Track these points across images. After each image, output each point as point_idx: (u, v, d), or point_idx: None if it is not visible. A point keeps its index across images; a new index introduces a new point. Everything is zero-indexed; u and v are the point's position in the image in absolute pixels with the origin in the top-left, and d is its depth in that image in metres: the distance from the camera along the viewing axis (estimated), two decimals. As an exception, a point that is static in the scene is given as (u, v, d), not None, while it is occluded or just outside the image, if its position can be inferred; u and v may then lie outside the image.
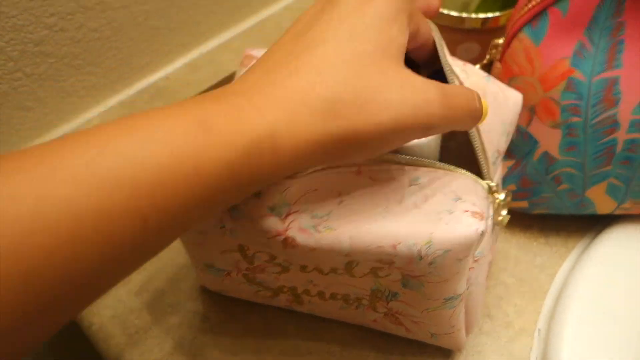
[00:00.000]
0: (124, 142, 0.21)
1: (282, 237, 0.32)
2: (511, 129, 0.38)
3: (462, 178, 0.33)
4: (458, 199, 0.32)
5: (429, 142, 0.35)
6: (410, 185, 0.32)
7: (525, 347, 0.42)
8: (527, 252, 0.48)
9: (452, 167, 0.34)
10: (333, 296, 0.39)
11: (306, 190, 0.32)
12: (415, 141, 0.34)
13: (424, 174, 0.33)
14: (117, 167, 0.21)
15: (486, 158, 0.35)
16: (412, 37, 0.31)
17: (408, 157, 0.33)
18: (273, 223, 0.32)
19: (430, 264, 0.31)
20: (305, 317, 0.44)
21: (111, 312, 0.45)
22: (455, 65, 0.34)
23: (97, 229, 0.20)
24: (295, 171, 0.26)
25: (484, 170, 0.36)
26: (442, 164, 0.34)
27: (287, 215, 0.32)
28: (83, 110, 0.56)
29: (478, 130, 0.35)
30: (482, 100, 0.31)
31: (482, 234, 0.31)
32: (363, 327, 0.43)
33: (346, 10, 0.27)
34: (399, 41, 0.28)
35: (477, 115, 0.30)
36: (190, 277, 0.47)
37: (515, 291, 0.46)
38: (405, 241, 0.31)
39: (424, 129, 0.27)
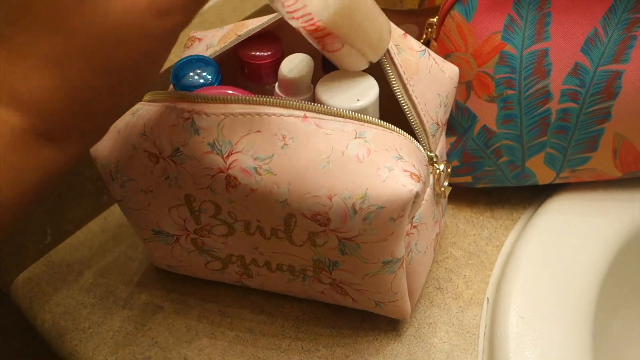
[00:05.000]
0: None
1: (225, 174, 0.33)
2: (448, 101, 0.39)
3: (407, 141, 0.34)
4: (400, 158, 0.33)
5: (371, 105, 0.35)
6: (356, 137, 0.33)
7: (475, 317, 0.44)
8: (474, 225, 0.50)
9: (400, 130, 0.34)
10: (279, 267, 0.39)
11: (248, 130, 0.33)
12: (359, 104, 0.34)
13: (371, 129, 0.34)
14: None
15: (425, 130, 0.36)
16: None
17: (359, 114, 0.34)
18: (215, 160, 0.33)
19: (365, 219, 0.32)
20: (259, 300, 0.44)
21: (63, 309, 0.45)
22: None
23: None
24: None
25: (423, 141, 0.37)
26: (391, 125, 0.34)
27: (229, 154, 0.33)
28: None
29: (414, 106, 0.36)
30: None
31: (417, 195, 0.32)
32: (316, 307, 0.44)
33: None
34: None
35: None
36: (143, 270, 0.47)
37: (464, 263, 0.47)
38: (341, 193, 0.32)
39: None
